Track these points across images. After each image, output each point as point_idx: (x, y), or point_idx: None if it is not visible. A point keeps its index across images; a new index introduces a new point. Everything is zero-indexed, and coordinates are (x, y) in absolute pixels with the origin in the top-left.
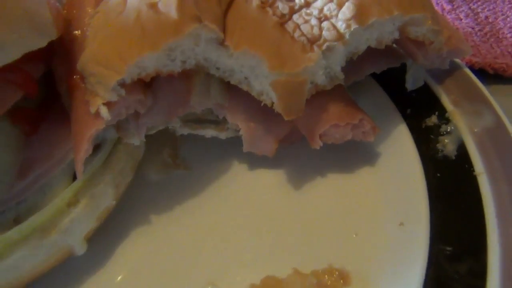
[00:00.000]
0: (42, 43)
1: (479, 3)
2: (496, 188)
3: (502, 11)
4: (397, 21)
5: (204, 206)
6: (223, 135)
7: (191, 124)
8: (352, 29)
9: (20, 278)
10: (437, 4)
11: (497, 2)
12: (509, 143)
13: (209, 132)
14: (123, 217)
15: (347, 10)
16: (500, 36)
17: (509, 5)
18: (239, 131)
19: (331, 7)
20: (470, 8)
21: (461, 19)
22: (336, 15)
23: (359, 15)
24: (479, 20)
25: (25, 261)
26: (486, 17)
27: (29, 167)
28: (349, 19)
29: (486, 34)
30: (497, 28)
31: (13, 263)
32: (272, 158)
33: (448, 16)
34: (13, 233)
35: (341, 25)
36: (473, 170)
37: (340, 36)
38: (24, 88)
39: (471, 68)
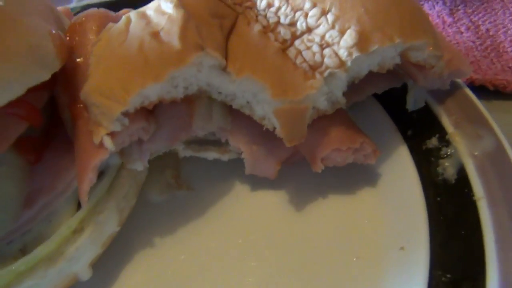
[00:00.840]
0: (46, 76)
1: (480, 15)
2: (495, 213)
3: (503, 23)
4: (398, 48)
5: (207, 228)
6: (225, 157)
7: (194, 146)
8: (354, 57)
9: None
10: (438, 17)
11: (498, 14)
12: (509, 168)
13: (211, 155)
14: (126, 240)
15: (349, 38)
16: (501, 50)
17: (510, 17)
18: (241, 153)
19: (333, 34)
20: (471, 20)
21: (462, 33)
22: (338, 42)
23: (361, 42)
24: (480, 33)
25: None
26: (487, 30)
27: (34, 197)
28: (351, 47)
29: (487, 48)
30: (498, 41)
31: None
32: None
33: (449, 30)
34: (20, 264)
35: (343, 53)
36: (473, 195)
37: (342, 64)
38: (28, 120)
39: (472, 84)
